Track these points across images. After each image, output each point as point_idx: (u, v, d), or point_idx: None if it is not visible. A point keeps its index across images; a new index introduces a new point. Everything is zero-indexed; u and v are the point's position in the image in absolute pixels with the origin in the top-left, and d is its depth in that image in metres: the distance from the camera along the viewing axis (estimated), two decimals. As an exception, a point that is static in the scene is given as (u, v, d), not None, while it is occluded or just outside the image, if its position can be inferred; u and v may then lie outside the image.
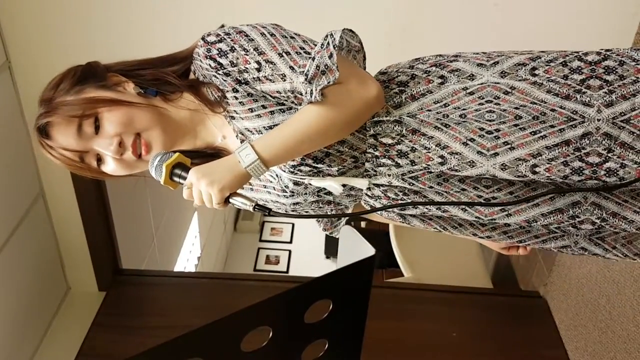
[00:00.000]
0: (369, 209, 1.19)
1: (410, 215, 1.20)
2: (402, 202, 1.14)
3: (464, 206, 1.13)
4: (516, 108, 1.04)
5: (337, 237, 1.32)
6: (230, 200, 1.02)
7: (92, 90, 1.09)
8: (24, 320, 2.79)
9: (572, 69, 1.06)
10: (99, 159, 1.11)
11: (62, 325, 3.05)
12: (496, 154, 1.03)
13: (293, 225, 7.05)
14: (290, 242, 6.94)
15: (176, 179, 1.04)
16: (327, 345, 0.68)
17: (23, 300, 2.76)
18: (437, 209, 1.15)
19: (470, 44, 2.23)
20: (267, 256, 6.78)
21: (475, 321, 3.13)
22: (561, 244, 1.16)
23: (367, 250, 0.60)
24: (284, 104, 1.07)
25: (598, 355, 2.57)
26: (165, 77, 1.13)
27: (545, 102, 1.03)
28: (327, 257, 6.44)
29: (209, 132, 1.16)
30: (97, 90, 1.09)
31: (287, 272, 6.57)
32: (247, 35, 1.06)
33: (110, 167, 1.11)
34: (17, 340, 2.74)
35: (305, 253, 6.60)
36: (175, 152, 1.07)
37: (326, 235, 1.38)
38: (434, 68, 1.11)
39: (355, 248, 0.63)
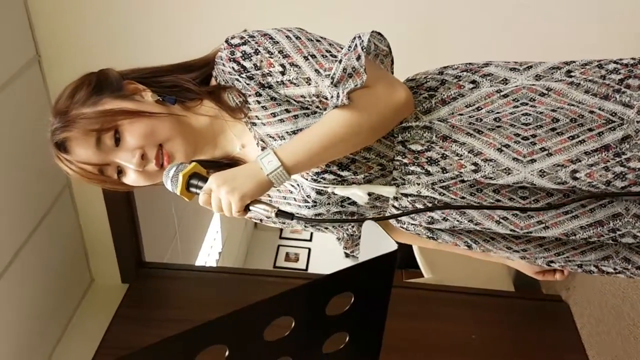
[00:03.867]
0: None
1: (439, 229, 1.14)
2: (428, 207, 1.08)
3: (498, 219, 1.06)
4: (553, 110, 0.99)
5: (357, 256, 1.29)
6: (251, 207, 0.98)
7: (110, 100, 1.05)
8: (48, 310, 2.84)
9: (609, 70, 1.02)
10: (120, 171, 1.07)
11: (84, 316, 3.10)
12: (533, 161, 0.99)
13: (314, 223, 7.07)
14: (310, 240, 6.94)
15: (193, 189, 1.01)
16: (347, 338, 0.68)
17: (47, 291, 2.81)
18: (468, 221, 1.08)
19: (493, 46, 2.23)
20: (287, 253, 6.80)
21: (495, 324, 3.10)
22: (602, 254, 1.10)
23: (389, 244, 0.61)
24: (308, 108, 1.03)
25: (620, 362, 2.54)
26: (184, 84, 1.09)
27: (583, 104, 0.99)
28: (347, 256, 6.44)
29: (228, 141, 1.12)
30: (114, 100, 1.05)
31: (306, 270, 6.58)
32: (271, 38, 1.02)
33: (131, 178, 1.07)
34: (40, 330, 2.79)
35: (324, 251, 6.61)
36: (191, 162, 1.04)
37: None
38: (465, 73, 1.07)
39: (378, 242, 0.64)
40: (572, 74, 1.03)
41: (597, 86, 1.00)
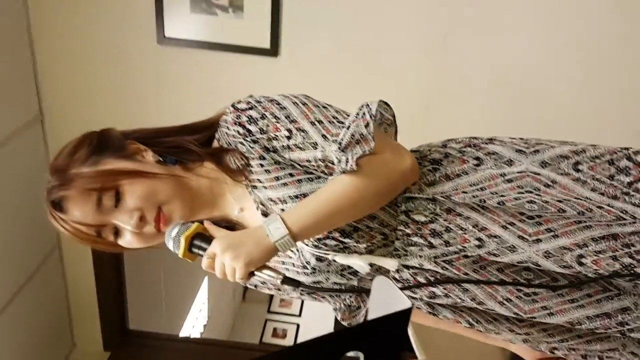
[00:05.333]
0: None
1: (440, 304, 1.11)
2: (431, 281, 1.05)
3: (501, 300, 1.03)
4: (559, 201, 0.97)
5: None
6: (256, 273, 0.95)
7: (111, 160, 1.04)
8: (26, 374, 2.72)
9: (620, 168, 0.99)
10: (116, 232, 1.05)
11: (63, 383, 2.98)
12: (539, 240, 0.97)
13: (303, 297, 6.96)
14: (300, 315, 6.79)
15: (195, 250, 0.98)
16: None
17: (28, 353, 2.71)
18: (471, 300, 1.05)
19: (494, 126, 2.28)
20: (275, 329, 6.63)
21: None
22: (607, 346, 1.06)
23: (402, 302, 0.59)
24: (312, 173, 1.02)
25: None
26: (186, 145, 1.09)
27: (591, 199, 0.97)
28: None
29: (227, 203, 1.10)
30: (115, 160, 1.04)
31: (293, 347, 6.40)
32: (278, 104, 1.02)
33: (127, 240, 1.05)
34: (16, 395, 2.66)
35: (314, 328, 6.45)
36: (193, 222, 1.02)
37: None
38: (468, 148, 1.06)
39: (389, 299, 0.62)
40: (580, 167, 1.00)
41: (605, 186, 0.98)
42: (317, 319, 6.41)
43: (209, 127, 1.11)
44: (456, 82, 2.25)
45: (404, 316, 0.57)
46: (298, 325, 6.69)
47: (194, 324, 4.99)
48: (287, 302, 6.95)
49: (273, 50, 2.23)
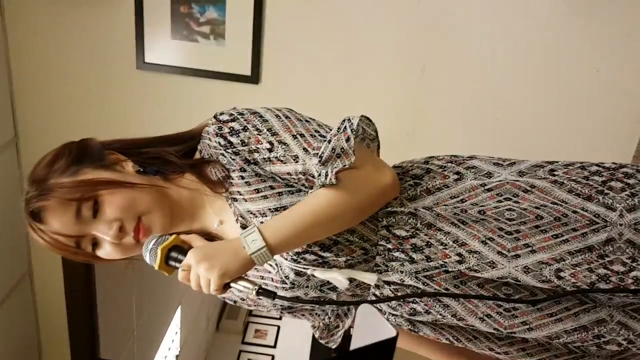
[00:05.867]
0: (376, 306, 1.10)
1: (420, 321, 1.11)
2: (411, 294, 1.04)
3: (482, 316, 1.04)
4: (537, 208, 1.00)
5: (332, 347, 1.23)
6: (232, 285, 0.94)
7: (90, 170, 1.03)
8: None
9: (592, 172, 1.05)
10: (95, 243, 1.04)
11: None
12: (517, 256, 0.98)
13: (279, 327, 6.84)
14: (275, 346, 6.67)
15: (172, 263, 0.97)
16: None
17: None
18: (451, 316, 1.06)
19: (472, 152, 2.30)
20: (249, 360, 6.51)
21: None
22: None
23: (387, 331, 0.58)
24: (293, 186, 1.02)
25: None
26: (166, 156, 1.09)
27: (567, 203, 1.00)
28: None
29: (207, 216, 1.10)
30: (95, 170, 1.04)
31: (268, 380, 6.28)
32: (261, 116, 1.04)
33: (106, 251, 1.04)
34: None
35: (290, 358, 6.36)
36: (171, 234, 1.01)
37: (312, 340, 1.31)
38: (449, 164, 1.09)
39: (374, 329, 0.61)
40: (555, 172, 1.05)
41: (581, 186, 1.02)
42: (292, 350, 6.32)
43: (191, 138, 1.11)
44: (437, 106, 2.28)
45: (388, 346, 0.55)
46: (273, 357, 6.57)
47: (166, 354, 4.88)
48: (262, 333, 6.84)
49: (254, 77, 2.24)
